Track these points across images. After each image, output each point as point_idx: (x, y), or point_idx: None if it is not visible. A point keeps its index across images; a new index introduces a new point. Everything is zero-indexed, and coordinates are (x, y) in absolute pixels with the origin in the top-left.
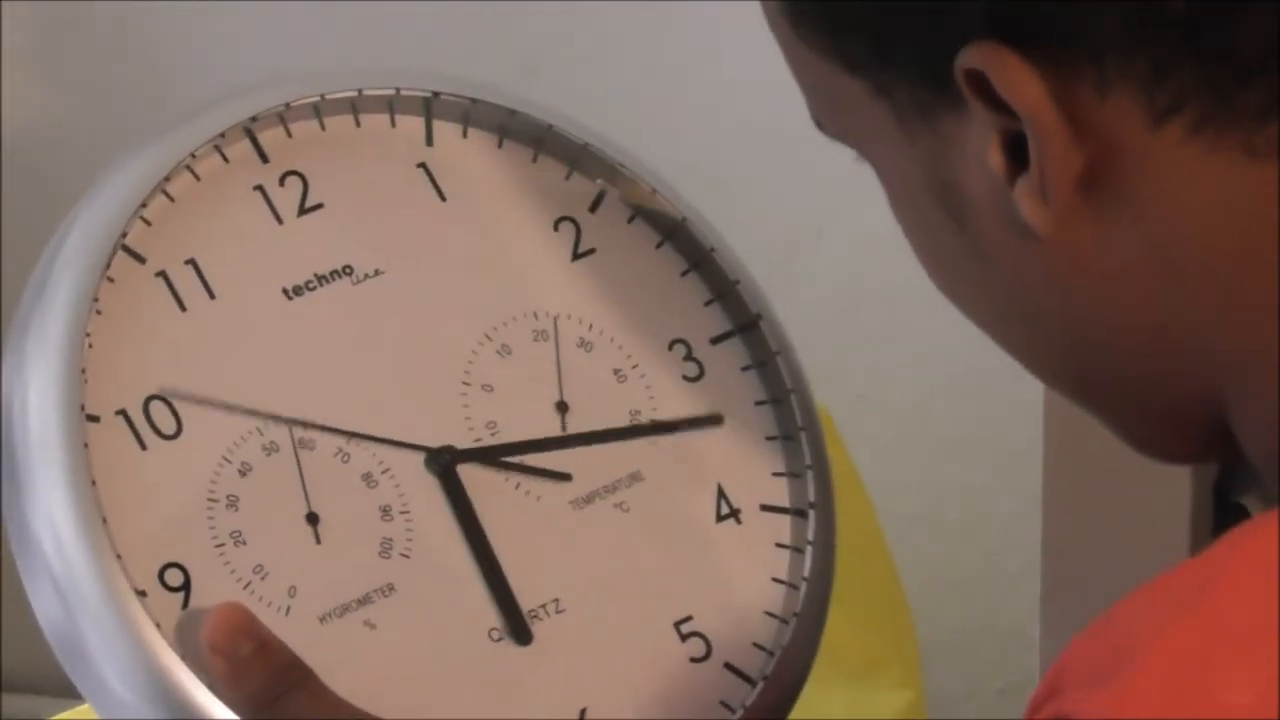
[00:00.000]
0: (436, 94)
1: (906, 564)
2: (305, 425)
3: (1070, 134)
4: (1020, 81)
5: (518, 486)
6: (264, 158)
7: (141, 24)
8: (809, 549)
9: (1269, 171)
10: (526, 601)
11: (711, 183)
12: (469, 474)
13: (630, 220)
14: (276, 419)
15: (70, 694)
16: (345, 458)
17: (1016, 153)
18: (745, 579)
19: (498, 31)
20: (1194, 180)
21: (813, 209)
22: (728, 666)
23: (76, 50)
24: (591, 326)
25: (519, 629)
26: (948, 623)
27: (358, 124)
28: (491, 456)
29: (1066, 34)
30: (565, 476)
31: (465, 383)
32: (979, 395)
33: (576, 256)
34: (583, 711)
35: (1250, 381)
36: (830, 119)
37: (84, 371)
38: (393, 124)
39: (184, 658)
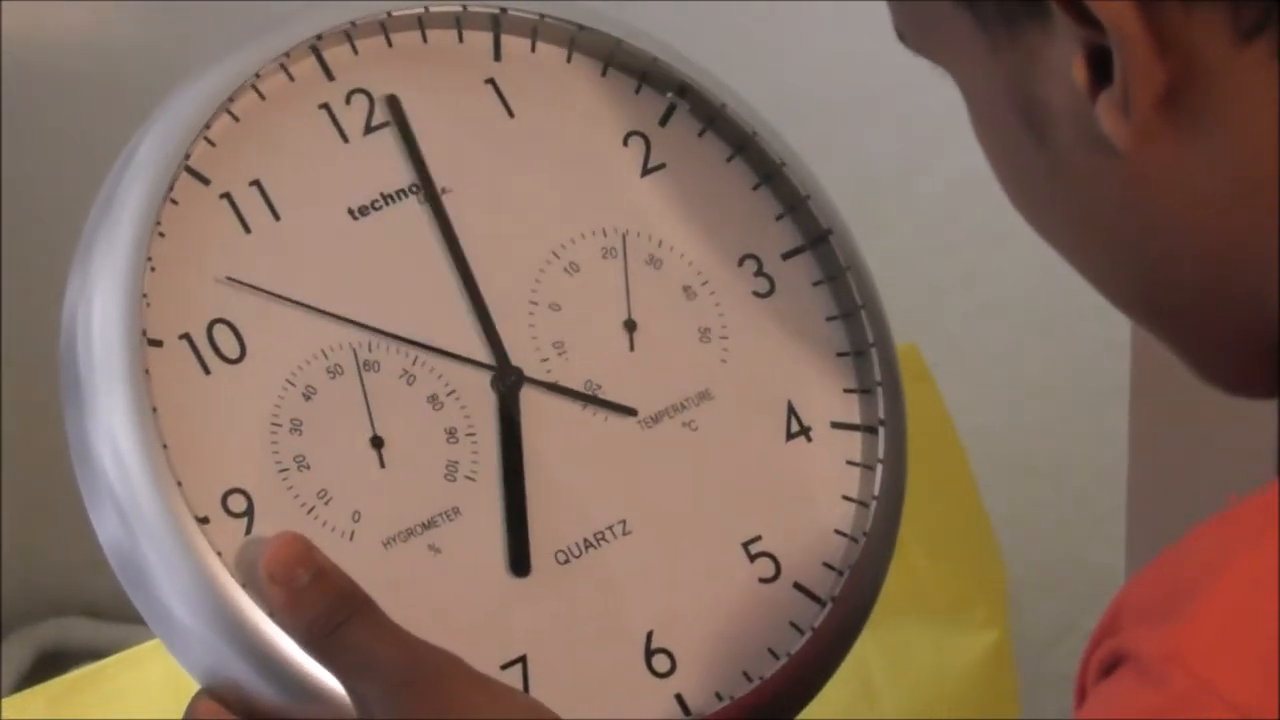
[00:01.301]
0: (504, 9)
1: (995, 504)
2: (376, 332)
3: (1155, 49)
4: None
5: (584, 407)
6: (330, 75)
7: None
8: (879, 466)
9: None
10: (591, 524)
11: (800, 117)
12: (533, 396)
13: (700, 134)
14: (345, 322)
15: (133, 619)
16: (410, 380)
17: (1099, 67)
18: (815, 497)
19: None
20: (1275, 101)
21: (904, 148)
22: (797, 586)
23: None
24: (661, 243)
25: (519, 560)
26: (1036, 563)
27: (424, 40)
28: (556, 388)
29: None
30: (630, 411)
31: (533, 301)
32: (1067, 338)
33: (646, 171)
34: (649, 634)
35: None
36: (914, 31)
37: (145, 296)
38: (460, 39)
39: (244, 585)
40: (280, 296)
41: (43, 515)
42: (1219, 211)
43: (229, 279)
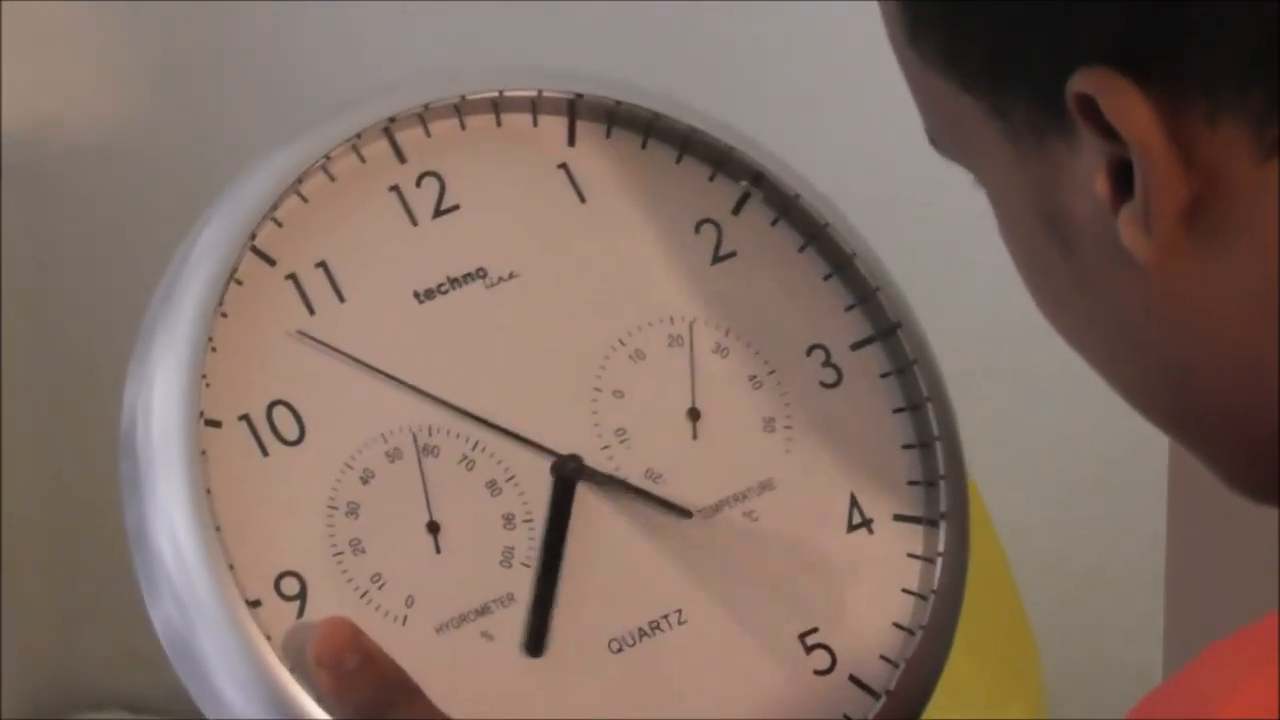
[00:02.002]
0: (580, 95)
1: (1033, 602)
2: (440, 403)
3: (1177, 164)
4: (1131, 108)
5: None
6: (401, 158)
7: (278, 26)
8: (939, 560)
9: None
10: (647, 613)
11: (855, 207)
12: (592, 484)
13: (774, 224)
14: (409, 396)
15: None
16: (470, 465)
17: (1123, 180)
18: (874, 590)
19: (640, 33)
20: None
21: (954, 238)
22: (852, 679)
23: (211, 52)
24: (729, 331)
25: (534, 642)
26: (1073, 661)
27: (499, 124)
28: (616, 482)
29: (1182, 64)
30: (685, 513)
31: (596, 388)
32: (1105, 436)
33: (717, 260)
34: None
35: None
36: (945, 137)
37: (205, 377)
38: (535, 124)
39: (293, 670)
40: (342, 375)
41: (84, 610)
42: (1244, 324)
43: (291, 358)
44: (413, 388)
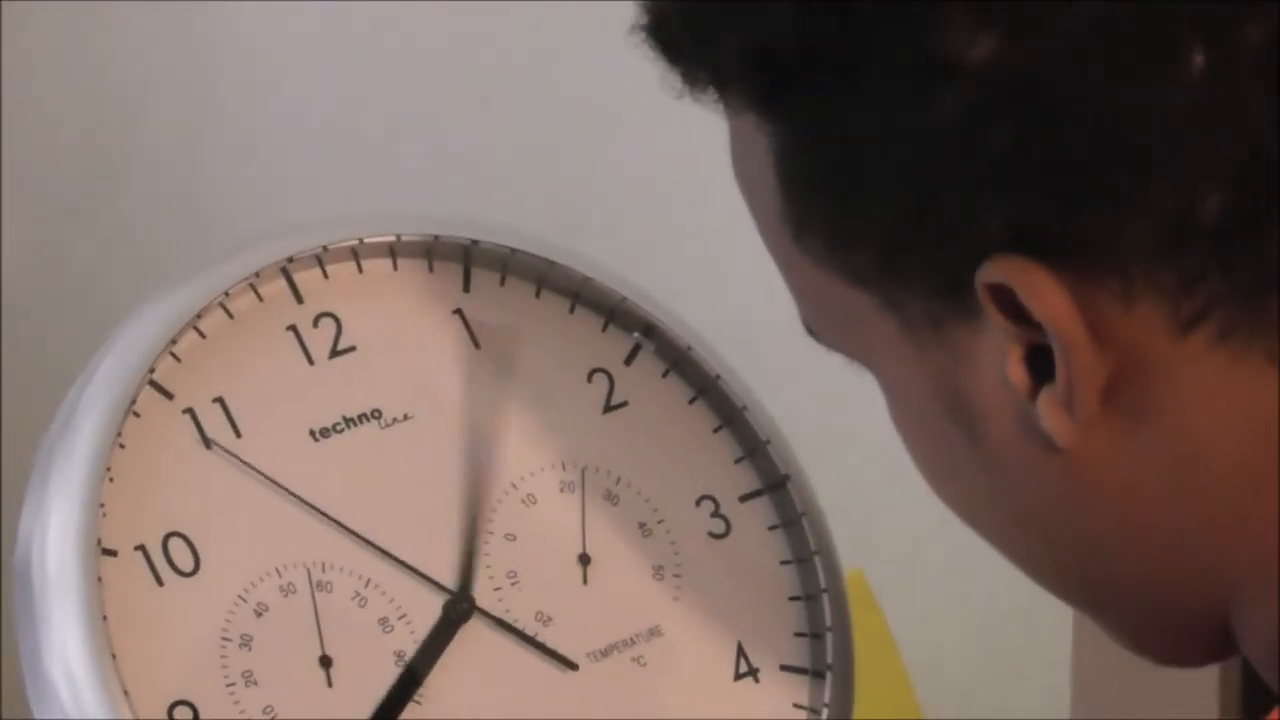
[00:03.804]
0: (476, 241)
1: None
2: (339, 526)
3: (1095, 346)
4: (1046, 295)
5: (536, 635)
6: (299, 298)
7: (188, 161)
8: (825, 710)
9: None
10: None
11: (748, 341)
12: (481, 624)
13: (664, 375)
14: (308, 521)
15: None
16: (362, 602)
17: (1036, 364)
18: None
19: (542, 184)
20: (1217, 390)
21: (853, 371)
22: None
23: (119, 191)
24: (619, 479)
25: None
26: None
27: (395, 268)
28: (505, 626)
29: (1094, 247)
30: (572, 666)
31: (489, 531)
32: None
33: (608, 409)
34: None
35: (1256, 594)
36: (828, 330)
37: (103, 506)
38: (430, 269)
39: None
40: (238, 507)
41: None
42: (1161, 499)
43: (187, 490)
44: (311, 506)
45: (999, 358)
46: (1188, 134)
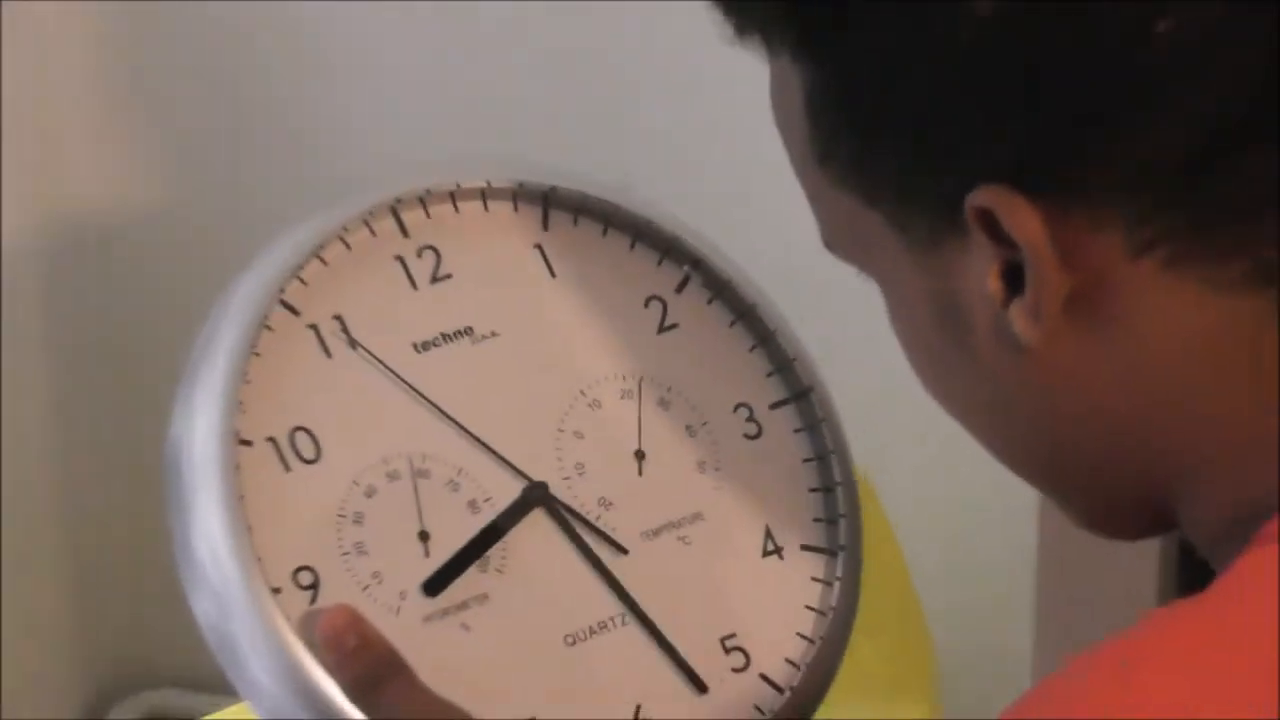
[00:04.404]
0: (554, 188)
1: (929, 601)
2: (444, 416)
3: (1061, 263)
4: (1024, 220)
5: (598, 518)
6: (405, 233)
7: (301, 110)
8: (837, 583)
9: (1228, 304)
10: (596, 615)
11: (778, 276)
12: (553, 510)
13: (709, 302)
14: (418, 419)
15: (222, 690)
16: (455, 487)
17: (1012, 278)
18: (783, 605)
19: (600, 144)
20: (1162, 306)
21: (862, 301)
22: (762, 677)
23: (249, 138)
24: (670, 388)
25: (433, 584)
26: (961, 650)
27: (486, 209)
28: (572, 513)
29: (1067, 183)
30: (623, 550)
31: (560, 429)
32: (989, 463)
33: (662, 329)
34: (638, 708)
35: (1193, 480)
36: (842, 244)
37: (240, 404)
38: (515, 210)
39: (306, 647)
40: (353, 409)
41: (148, 601)
42: (1112, 396)
43: (312, 392)
44: (420, 396)
45: (982, 272)
46: (1154, 92)
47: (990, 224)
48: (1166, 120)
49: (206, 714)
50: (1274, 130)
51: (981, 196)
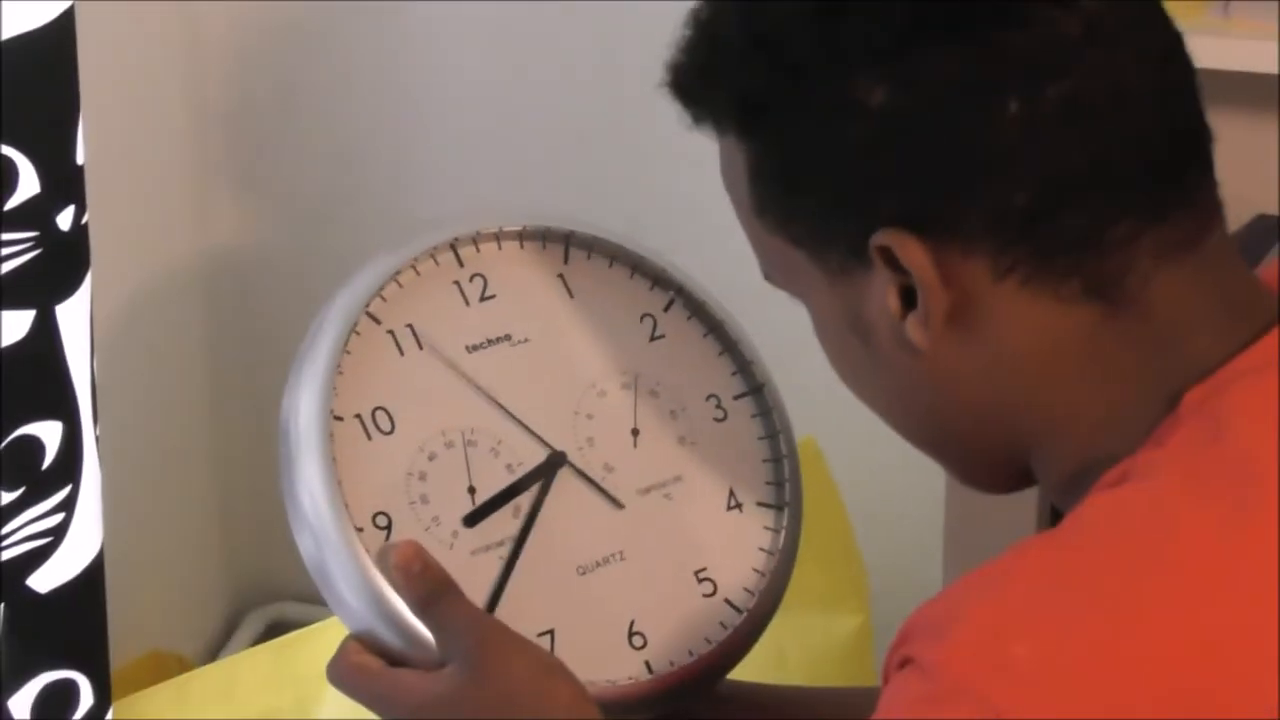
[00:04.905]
0: (573, 232)
1: (863, 537)
2: (489, 400)
3: (943, 285)
4: (914, 254)
5: (603, 479)
6: (460, 263)
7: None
8: (783, 531)
9: (1070, 313)
10: (601, 551)
11: (741, 299)
12: (569, 472)
13: (689, 318)
14: (470, 399)
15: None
16: (496, 453)
17: (906, 298)
18: (742, 547)
19: (612, 194)
20: (1020, 317)
21: (799, 314)
22: (726, 601)
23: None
24: (659, 383)
25: (473, 517)
26: (887, 569)
27: (521, 247)
28: (583, 475)
29: (944, 226)
30: (619, 505)
31: (575, 412)
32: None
33: (653, 339)
34: (631, 622)
35: (1046, 446)
36: (777, 275)
37: (335, 389)
38: (543, 248)
39: (382, 572)
40: (420, 393)
41: (275, 533)
42: (984, 386)
43: (389, 380)
44: (472, 383)
45: (883, 293)
46: (1006, 159)
47: (889, 257)
48: (1012, 183)
49: (320, 620)
50: (1093, 185)
51: (881, 237)
